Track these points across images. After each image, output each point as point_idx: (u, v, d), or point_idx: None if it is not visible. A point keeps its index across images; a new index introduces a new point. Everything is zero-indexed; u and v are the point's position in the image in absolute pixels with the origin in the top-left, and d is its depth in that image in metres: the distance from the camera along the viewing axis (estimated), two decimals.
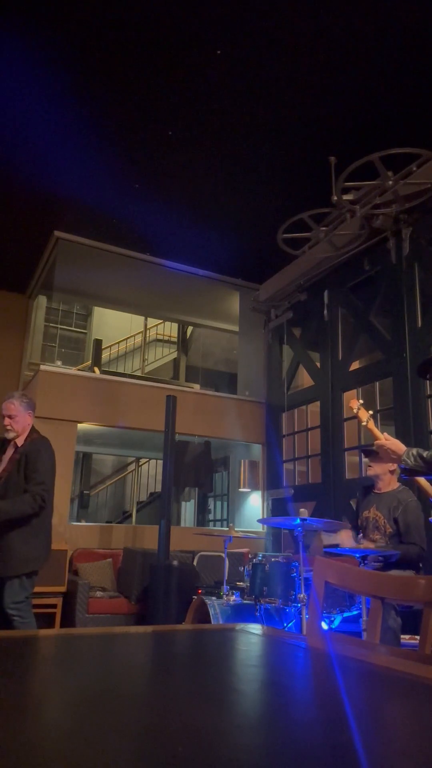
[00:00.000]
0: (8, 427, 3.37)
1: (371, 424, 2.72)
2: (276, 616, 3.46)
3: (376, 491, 3.77)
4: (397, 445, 2.51)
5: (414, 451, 2.42)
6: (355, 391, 5.61)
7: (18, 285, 7.60)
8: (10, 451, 3.37)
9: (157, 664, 1.05)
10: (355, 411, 2.77)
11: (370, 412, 2.79)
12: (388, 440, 2.55)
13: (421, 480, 2.78)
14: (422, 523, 3.51)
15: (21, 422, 3.37)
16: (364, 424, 2.73)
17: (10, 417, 3.37)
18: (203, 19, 3.67)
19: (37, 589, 3.40)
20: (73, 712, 0.70)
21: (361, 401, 2.82)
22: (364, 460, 3.85)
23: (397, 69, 3.99)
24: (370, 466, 3.75)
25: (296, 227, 5.09)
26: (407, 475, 2.50)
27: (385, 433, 2.61)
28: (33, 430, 3.41)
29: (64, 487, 5.46)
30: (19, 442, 3.36)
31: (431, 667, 0.99)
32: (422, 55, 3.86)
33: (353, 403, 2.80)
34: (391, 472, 3.71)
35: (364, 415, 2.72)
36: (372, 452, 3.77)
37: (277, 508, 6.52)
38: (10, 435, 3.37)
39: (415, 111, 4.34)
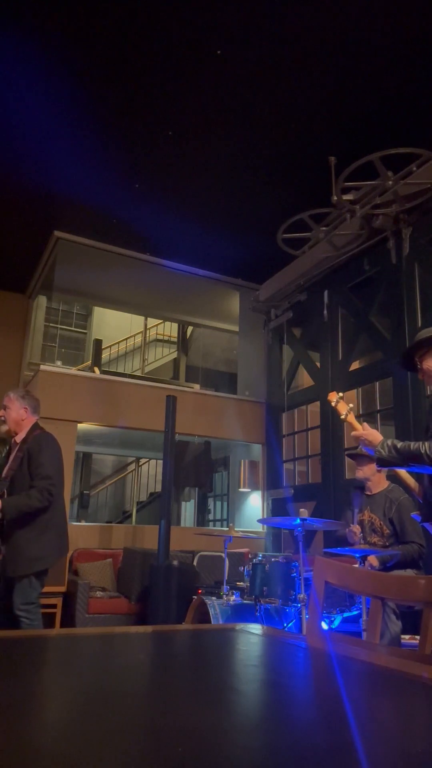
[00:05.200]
0: (1, 418, 3.38)
1: (351, 417, 2.62)
2: (276, 616, 3.46)
3: (367, 493, 3.77)
4: (374, 436, 2.41)
5: (389, 441, 2.34)
6: (355, 390, 5.61)
7: (18, 285, 7.60)
8: (14, 451, 3.36)
9: (157, 664, 1.05)
10: (333, 404, 2.69)
11: (351, 405, 2.69)
12: (365, 430, 2.46)
13: (403, 474, 2.71)
14: None
15: (13, 415, 3.35)
16: (342, 417, 2.64)
17: (4, 408, 3.38)
18: (203, 19, 3.67)
19: None
20: (73, 712, 0.70)
21: (341, 394, 2.73)
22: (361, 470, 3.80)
23: (397, 69, 3.99)
24: (360, 469, 3.74)
25: (296, 227, 5.09)
26: (381, 465, 2.42)
27: (364, 424, 2.53)
28: (36, 426, 3.39)
29: (65, 487, 5.46)
30: (19, 438, 3.35)
31: (431, 667, 0.99)
32: (422, 55, 3.86)
33: (332, 395, 2.71)
34: (380, 471, 3.69)
35: (343, 408, 2.63)
36: (358, 455, 3.75)
37: (277, 508, 6.52)
38: (2, 428, 3.37)
39: (415, 111, 4.34)
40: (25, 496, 3.12)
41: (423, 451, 2.21)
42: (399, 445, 2.29)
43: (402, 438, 2.46)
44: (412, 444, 2.26)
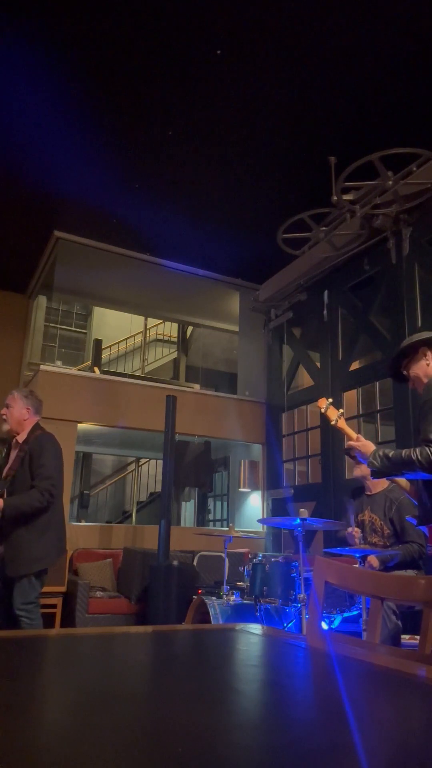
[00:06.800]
0: (4, 417, 3.38)
1: (341, 423, 2.62)
2: (276, 616, 3.45)
3: (367, 493, 3.76)
4: (366, 447, 2.43)
5: (381, 451, 2.36)
6: (355, 390, 5.61)
7: (18, 285, 7.60)
8: (15, 451, 3.36)
9: (157, 664, 1.05)
10: (323, 410, 2.68)
11: (341, 410, 2.69)
12: (359, 441, 2.48)
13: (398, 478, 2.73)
14: None
15: (15, 415, 3.35)
16: (333, 423, 2.64)
17: (6, 407, 3.38)
18: (203, 19, 3.67)
19: None
20: (73, 713, 0.70)
21: (330, 400, 2.73)
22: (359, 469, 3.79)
23: (397, 69, 3.99)
24: (358, 467, 3.73)
25: (296, 227, 5.09)
26: (376, 477, 2.44)
27: (359, 435, 2.55)
28: (37, 426, 3.39)
29: (65, 487, 5.47)
30: (20, 438, 3.35)
31: (431, 667, 0.99)
32: (422, 55, 3.86)
33: (321, 402, 2.71)
34: None
35: (333, 414, 2.63)
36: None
37: (277, 508, 6.52)
38: (5, 427, 3.37)
39: (415, 111, 4.34)
40: (26, 496, 3.12)
41: (414, 458, 2.22)
42: (391, 454, 2.31)
43: (402, 440, 2.48)
44: (403, 452, 2.27)
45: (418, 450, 2.23)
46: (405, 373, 2.58)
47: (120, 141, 4.84)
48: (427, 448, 2.20)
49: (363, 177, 4.41)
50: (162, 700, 0.77)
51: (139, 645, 1.19)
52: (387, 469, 2.33)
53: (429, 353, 2.49)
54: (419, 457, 2.20)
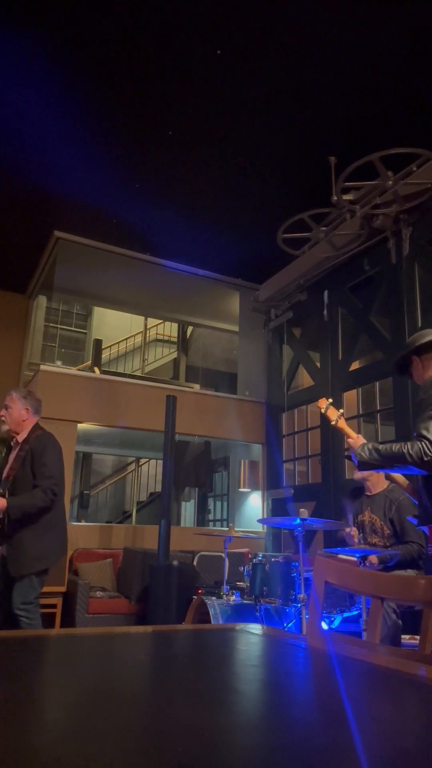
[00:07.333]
0: (2, 418, 3.38)
1: (341, 423, 2.64)
2: (276, 616, 3.45)
3: (367, 494, 3.77)
4: (356, 441, 2.46)
5: (370, 444, 2.37)
6: (355, 390, 5.61)
7: (18, 285, 7.60)
8: (15, 451, 3.36)
9: (157, 664, 1.05)
10: (323, 410, 2.70)
11: (341, 410, 2.71)
12: (357, 438, 2.50)
13: (396, 475, 2.73)
14: None
15: (14, 415, 3.35)
16: (333, 423, 2.66)
17: (5, 408, 3.38)
18: (203, 19, 3.67)
19: None
20: (73, 713, 0.70)
21: (330, 400, 2.75)
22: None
23: (397, 69, 3.99)
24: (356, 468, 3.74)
25: (296, 227, 5.08)
26: (362, 469, 2.45)
27: (359, 435, 2.56)
28: (37, 426, 3.39)
29: (65, 487, 5.46)
30: (20, 438, 3.35)
31: (431, 667, 0.99)
32: (422, 55, 3.86)
33: (321, 402, 2.73)
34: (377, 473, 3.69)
35: (333, 414, 2.65)
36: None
37: (277, 508, 6.52)
38: (3, 428, 3.37)
39: (415, 111, 4.34)
40: (29, 496, 3.13)
41: (405, 451, 2.21)
42: (381, 447, 2.31)
43: (402, 440, 2.48)
44: (394, 445, 2.27)
45: (409, 444, 2.22)
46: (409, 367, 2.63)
47: (120, 141, 4.84)
48: (419, 443, 2.20)
49: (363, 177, 4.41)
50: (162, 700, 0.77)
51: (139, 645, 1.19)
52: (375, 461, 2.33)
53: (417, 359, 2.52)
54: (410, 451, 2.20)
